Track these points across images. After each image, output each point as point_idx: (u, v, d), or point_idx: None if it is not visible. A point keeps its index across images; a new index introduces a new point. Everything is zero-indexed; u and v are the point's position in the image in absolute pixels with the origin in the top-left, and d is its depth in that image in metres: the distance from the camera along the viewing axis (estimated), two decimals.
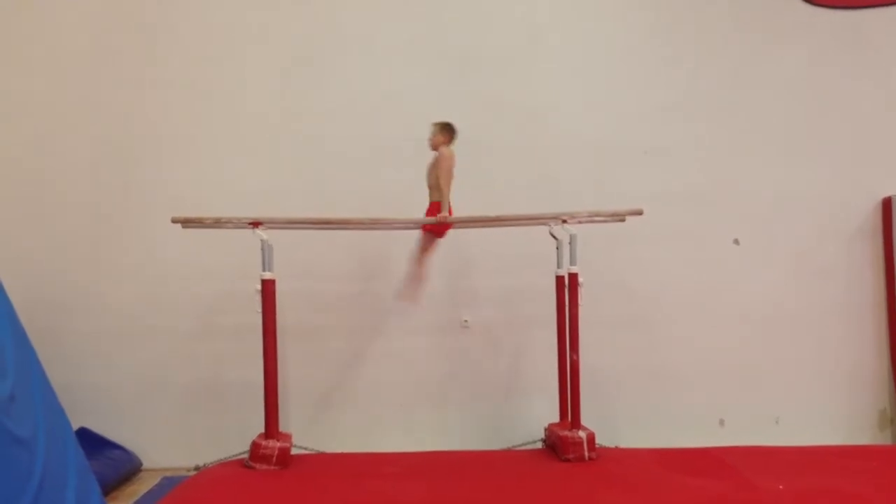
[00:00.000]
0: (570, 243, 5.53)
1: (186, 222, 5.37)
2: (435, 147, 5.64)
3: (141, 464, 5.99)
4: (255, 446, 5.22)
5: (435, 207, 5.55)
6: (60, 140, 6.27)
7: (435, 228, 5.63)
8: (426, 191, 5.73)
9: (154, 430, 6.11)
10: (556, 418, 5.84)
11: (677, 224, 6.52)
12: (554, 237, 5.75)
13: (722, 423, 6.51)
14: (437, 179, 5.55)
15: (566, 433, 5.42)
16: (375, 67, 6.46)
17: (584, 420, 5.53)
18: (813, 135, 6.71)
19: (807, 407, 6.51)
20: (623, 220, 5.82)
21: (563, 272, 5.67)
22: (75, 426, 4.55)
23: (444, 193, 5.52)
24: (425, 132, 5.81)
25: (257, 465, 5.16)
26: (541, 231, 5.79)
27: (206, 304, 6.24)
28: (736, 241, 6.65)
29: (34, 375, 3.86)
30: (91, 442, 5.53)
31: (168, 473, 5.66)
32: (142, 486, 5.47)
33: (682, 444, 5.77)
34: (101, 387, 6.08)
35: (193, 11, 6.42)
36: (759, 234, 6.64)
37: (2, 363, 3.48)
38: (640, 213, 5.69)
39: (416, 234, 6.07)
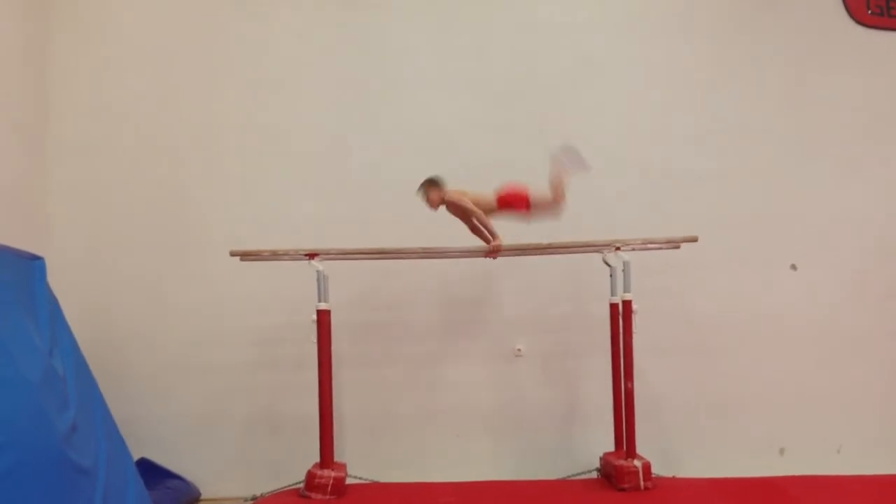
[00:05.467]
0: (623, 270, 5.51)
1: (244, 255, 5.49)
2: (436, 204, 5.64)
3: (199, 493, 6.05)
4: (310, 476, 5.26)
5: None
6: (120, 179, 6.42)
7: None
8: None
9: (212, 461, 6.18)
10: (611, 447, 5.80)
11: (734, 249, 6.43)
12: (607, 264, 5.73)
13: (782, 451, 6.38)
14: (473, 222, 5.61)
15: (621, 462, 5.37)
16: (426, 100, 6.51)
17: (641, 449, 5.47)
18: (870, 155, 6.60)
19: (870, 435, 6.35)
20: (678, 247, 5.79)
21: (617, 299, 5.64)
22: (136, 457, 4.63)
23: (486, 223, 5.56)
24: (476, 161, 5.91)
25: (312, 495, 5.19)
26: (594, 258, 5.78)
27: (263, 335, 6.31)
28: (793, 267, 6.54)
29: (96, 407, 3.96)
30: (151, 472, 5.61)
31: (225, 503, 5.72)
32: None
33: (741, 473, 5.66)
34: (161, 419, 6.17)
35: (248, 51, 6.54)
36: (819, 257, 6.51)
37: (64, 395, 3.58)
38: (694, 240, 5.64)
39: (470, 263, 6.13)
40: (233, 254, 5.41)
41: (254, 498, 5.66)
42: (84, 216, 6.38)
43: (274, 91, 6.52)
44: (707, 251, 6.00)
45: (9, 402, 3.09)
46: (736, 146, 6.55)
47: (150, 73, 6.54)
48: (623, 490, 5.27)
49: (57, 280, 4.21)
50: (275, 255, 5.50)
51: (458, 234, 5.77)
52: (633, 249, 5.60)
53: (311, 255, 5.39)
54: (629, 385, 5.47)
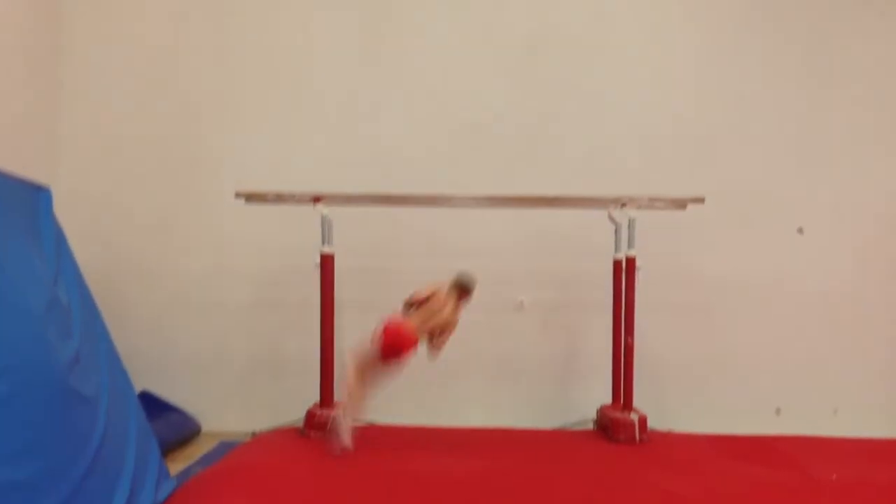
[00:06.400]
0: (628, 227, 5.52)
1: (249, 197, 5.52)
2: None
3: (200, 428, 6.15)
4: (309, 415, 5.35)
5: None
6: (130, 115, 6.44)
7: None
8: (486, 167, 5.82)
9: (213, 397, 6.28)
10: (608, 401, 5.85)
11: (741, 212, 6.44)
12: (613, 220, 5.73)
13: (778, 411, 6.43)
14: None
15: (617, 415, 5.44)
16: (441, 49, 6.49)
17: (639, 404, 5.55)
18: (882, 125, 6.55)
19: (867, 398, 6.40)
20: (684, 208, 5.78)
21: (621, 256, 5.66)
22: (138, 389, 4.69)
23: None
24: (487, 115, 5.90)
25: (312, 433, 5.28)
26: (599, 215, 5.78)
27: (267, 277, 6.37)
28: (800, 231, 6.52)
29: (99, 338, 4.00)
30: (153, 405, 5.69)
31: (225, 438, 5.81)
32: (199, 449, 5.62)
33: (737, 431, 5.72)
34: (163, 353, 6.27)
35: None
36: (826, 223, 6.51)
37: (68, 325, 3.62)
38: (701, 201, 5.65)
39: (476, 213, 6.12)
40: (238, 195, 5.44)
41: (253, 434, 5.75)
42: (93, 151, 6.41)
43: (288, 35, 6.51)
44: (714, 213, 6.07)
45: (12, 329, 3.11)
46: (750, 109, 6.51)
47: (166, 10, 6.53)
48: (618, 442, 5.34)
49: (63, 213, 4.23)
50: (280, 198, 5.52)
51: (465, 183, 5.80)
52: (640, 207, 5.60)
53: (317, 199, 5.41)
54: (629, 340, 5.52)
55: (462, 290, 5.04)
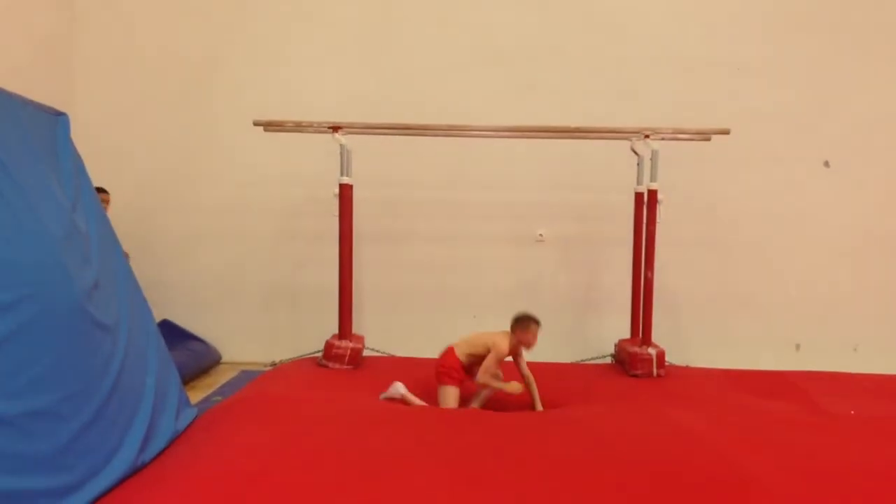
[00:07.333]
0: (651, 159, 5.43)
1: (268, 125, 5.45)
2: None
3: (220, 357, 6.21)
4: (328, 346, 5.37)
5: None
6: (148, 44, 6.36)
7: None
8: (505, 99, 5.72)
9: (234, 327, 6.33)
10: (627, 335, 5.84)
11: (765, 144, 6.33)
12: (635, 152, 5.65)
13: (798, 347, 6.41)
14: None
15: (636, 349, 5.42)
16: None
17: (658, 339, 5.52)
18: None
19: (888, 335, 6.36)
20: (708, 139, 5.69)
21: (643, 188, 5.58)
22: (159, 319, 4.71)
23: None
24: (508, 44, 5.77)
25: (330, 364, 5.31)
26: (621, 146, 5.69)
27: (286, 208, 6.36)
28: (826, 164, 6.41)
29: (118, 266, 3.98)
30: (173, 333, 5.77)
31: (246, 368, 5.87)
32: (220, 378, 5.68)
33: (756, 366, 5.70)
34: (184, 283, 6.31)
35: None
36: (851, 158, 6.39)
37: (87, 252, 3.59)
38: (726, 132, 5.54)
39: (494, 144, 6.05)
40: (256, 123, 5.39)
41: (273, 364, 5.79)
42: (111, 81, 6.35)
43: None
44: (738, 146, 5.96)
45: (32, 255, 3.09)
46: (776, 39, 6.36)
47: None
48: (635, 376, 5.33)
49: (82, 143, 4.19)
50: (299, 127, 5.46)
51: (485, 114, 5.73)
52: (663, 138, 5.50)
53: (335, 128, 5.35)
54: (649, 274, 5.47)
55: (517, 324, 4.82)
